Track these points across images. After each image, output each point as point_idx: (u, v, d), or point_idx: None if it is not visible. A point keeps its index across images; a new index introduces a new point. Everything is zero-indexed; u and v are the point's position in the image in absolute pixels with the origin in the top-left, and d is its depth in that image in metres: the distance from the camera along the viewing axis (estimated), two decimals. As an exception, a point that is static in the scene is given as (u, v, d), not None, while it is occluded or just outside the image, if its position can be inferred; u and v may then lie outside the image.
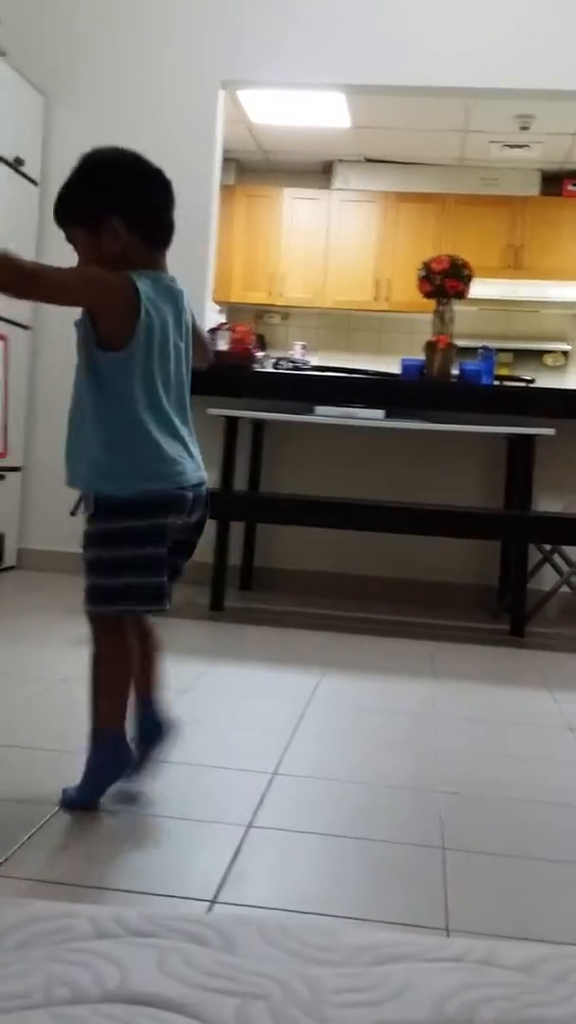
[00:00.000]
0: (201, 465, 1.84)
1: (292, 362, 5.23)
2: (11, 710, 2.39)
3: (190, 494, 1.79)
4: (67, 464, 1.82)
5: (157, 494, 1.74)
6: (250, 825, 1.76)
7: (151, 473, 1.74)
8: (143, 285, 1.73)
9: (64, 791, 1.78)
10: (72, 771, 1.96)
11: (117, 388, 1.73)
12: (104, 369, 1.74)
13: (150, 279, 1.76)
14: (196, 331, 1.90)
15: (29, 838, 1.63)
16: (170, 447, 1.76)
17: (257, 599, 4.29)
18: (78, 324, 1.78)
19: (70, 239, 1.79)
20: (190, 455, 1.81)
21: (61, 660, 2.92)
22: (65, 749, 2.10)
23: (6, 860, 1.54)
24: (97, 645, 1.79)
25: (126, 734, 1.81)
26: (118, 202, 1.77)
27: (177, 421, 1.79)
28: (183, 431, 1.81)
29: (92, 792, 1.78)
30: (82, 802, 1.76)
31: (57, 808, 1.77)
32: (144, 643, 1.89)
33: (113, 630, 1.79)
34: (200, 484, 1.82)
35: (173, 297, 1.81)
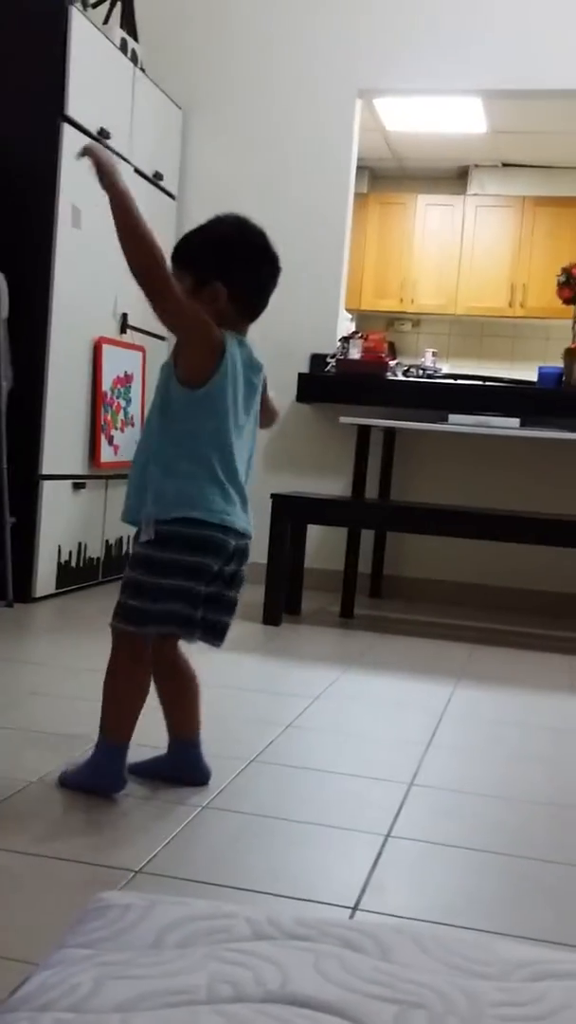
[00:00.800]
0: (250, 522, 1.88)
1: (423, 369, 5.21)
2: (149, 713, 2.44)
3: (232, 541, 1.82)
4: (127, 501, 1.88)
5: (199, 528, 1.78)
6: (388, 835, 1.76)
7: (198, 502, 1.79)
8: (228, 341, 1.82)
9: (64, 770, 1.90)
10: (214, 771, 1.99)
11: (188, 425, 1.80)
12: (178, 405, 1.81)
13: (235, 340, 1.84)
14: (265, 396, 1.96)
15: (173, 837, 1.67)
16: (223, 490, 1.81)
17: (386, 607, 4.27)
18: (164, 366, 1.87)
19: (176, 275, 1.83)
20: (243, 508, 1.86)
21: (197, 665, 2.97)
22: (205, 752, 2.14)
23: (153, 858, 1.58)
24: (113, 657, 1.86)
25: (123, 751, 1.87)
26: (229, 273, 1.84)
27: (240, 471, 1.85)
28: (242, 485, 1.86)
29: (75, 781, 1.86)
30: (65, 781, 1.87)
31: (199, 809, 1.81)
32: (178, 680, 1.95)
33: (131, 646, 1.84)
34: (244, 535, 1.85)
35: (251, 363, 1.88)
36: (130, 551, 1.89)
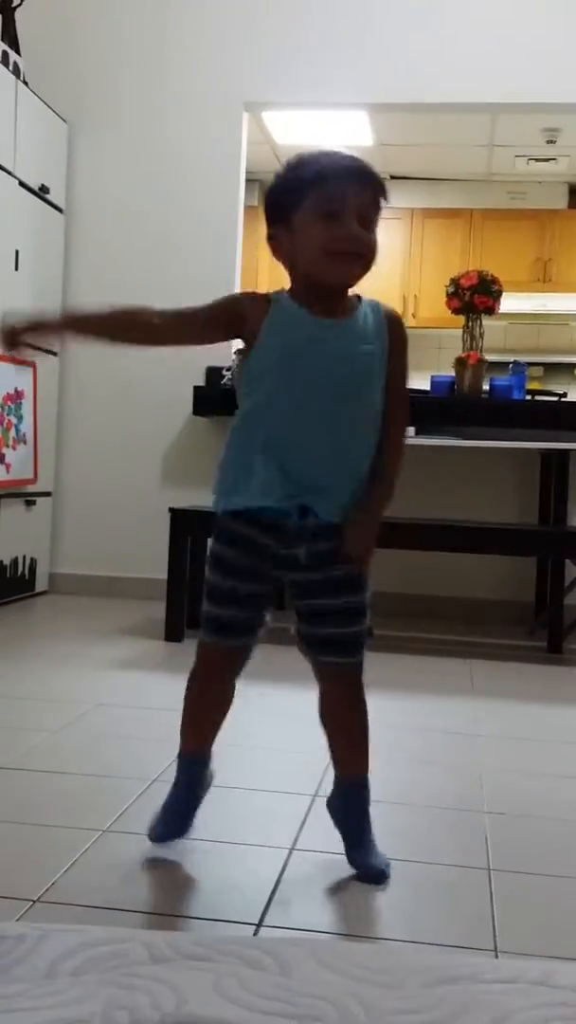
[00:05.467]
0: (334, 503, 1.61)
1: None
2: (50, 736, 2.39)
3: (287, 520, 1.60)
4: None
5: (239, 514, 1.62)
6: (293, 848, 1.76)
7: (237, 486, 1.62)
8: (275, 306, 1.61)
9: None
10: (111, 796, 1.97)
11: (241, 402, 1.64)
12: (239, 381, 1.67)
13: (293, 305, 1.61)
14: (393, 377, 1.66)
15: (72, 864, 1.63)
16: (268, 467, 1.59)
17: (289, 618, 4.27)
18: None
19: (366, 210, 1.54)
20: (314, 488, 1.60)
21: (96, 685, 2.93)
22: (104, 774, 2.10)
23: (52, 886, 1.54)
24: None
25: (192, 760, 1.75)
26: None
27: (301, 451, 1.59)
28: (310, 464, 1.60)
29: (160, 816, 1.73)
30: (153, 831, 1.71)
31: (100, 833, 1.78)
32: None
33: (200, 650, 1.75)
34: (311, 514, 1.60)
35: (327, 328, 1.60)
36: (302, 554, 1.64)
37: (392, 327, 1.64)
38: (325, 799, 1.78)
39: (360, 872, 1.64)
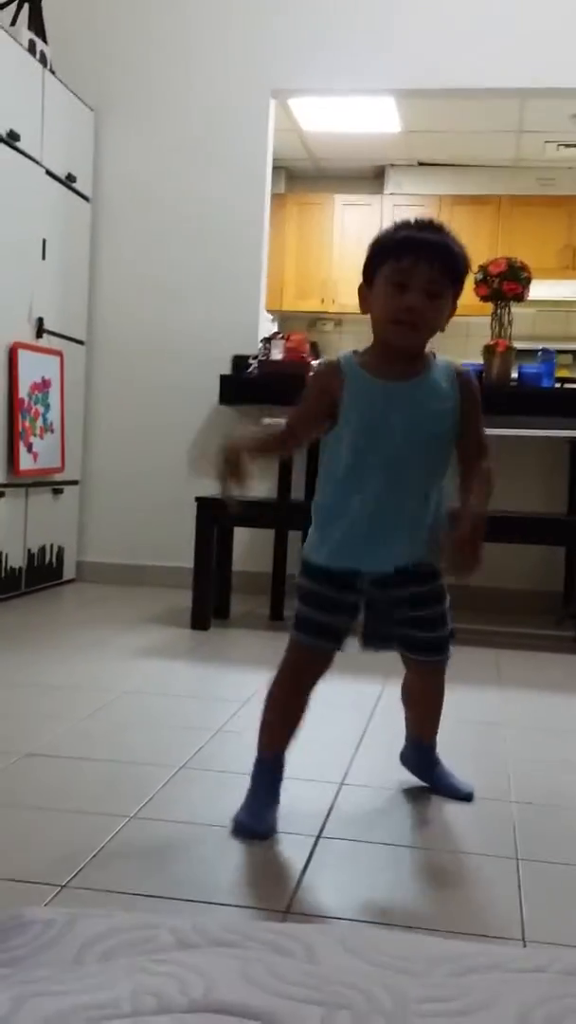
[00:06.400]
0: (404, 552, 1.81)
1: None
2: (78, 723, 2.41)
3: (361, 578, 1.81)
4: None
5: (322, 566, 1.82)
6: (320, 836, 1.76)
7: (314, 545, 1.83)
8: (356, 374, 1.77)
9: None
10: (139, 783, 1.98)
11: (324, 462, 1.82)
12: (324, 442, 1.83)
13: (364, 373, 1.77)
14: (468, 430, 1.81)
15: (100, 850, 1.64)
16: (338, 527, 1.79)
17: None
18: None
19: (432, 284, 1.68)
20: (378, 541, 1.79)
21: (124, 672, 2.94)
22: (132, 761, 2.11)
23: (80, 872, 1.55)
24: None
25: (268, 764, 1.84)
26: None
27: (371, 506, 1.76)
28: (375, 516, 1.77)
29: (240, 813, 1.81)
30: (237, 824, 1.78)
31: (128, 819, 1.78)
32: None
33: (287, 653, 1.86)
34: (386, 573, 1.81)
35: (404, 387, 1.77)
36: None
37: (463, 384, 1.79)
38: (399, 754, 2.09)
39: (446, 792, 1.99)
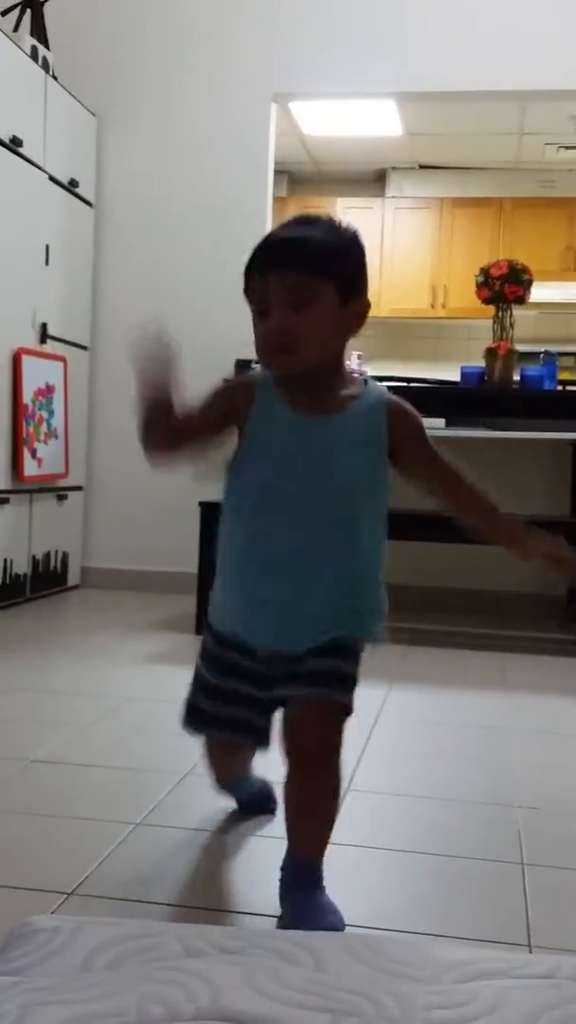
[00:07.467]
0: (315, 625, 1.47)
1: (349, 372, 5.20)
2: (84, 730, 2.41)
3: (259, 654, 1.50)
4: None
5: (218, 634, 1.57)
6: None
7: (216, 603, 1.59)
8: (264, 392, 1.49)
9: None
10: (144, 789, 1.98)
11: (223, 496, 1.55)
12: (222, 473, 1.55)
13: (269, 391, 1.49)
14: (421, 464, 1.55)
15: (106, 857, 1.65)
16: (241, 585, 1.51)
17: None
18: None
19: (292, 293, 1.39)
20: (275, 616, 1.47)
21: (128, 678, 2.95)
22: (137, 767, 2.12)
23: (86, 879, 1.55)
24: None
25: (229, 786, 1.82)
26: (367, 285, 1.49)
27: (269, 566, 1.47)
28: (285, 579, 1.46)
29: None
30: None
31: (133, 826, 1.78)
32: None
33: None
34: (284, 654, 1.48)
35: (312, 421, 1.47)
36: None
37: (395, 421, 1.49)
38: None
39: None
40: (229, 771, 1.78)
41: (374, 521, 1.52)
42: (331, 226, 1.45)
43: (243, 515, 1.50)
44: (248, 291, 1.45)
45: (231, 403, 1.49)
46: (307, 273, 1.39)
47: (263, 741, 1.58)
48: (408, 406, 1.53)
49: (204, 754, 1.73)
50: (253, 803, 1.84)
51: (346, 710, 1.49)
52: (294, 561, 1.45)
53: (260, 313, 1.42)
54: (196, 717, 1.61)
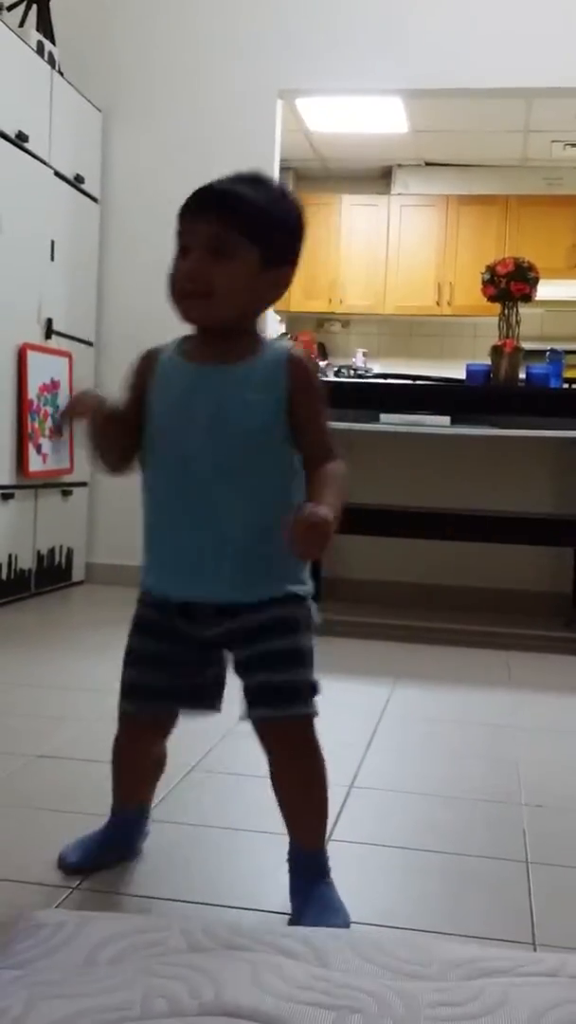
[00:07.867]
0: (222, 581, 1.45)
1: (354, 370, 5.21)
2: (89, 725, 2.41)
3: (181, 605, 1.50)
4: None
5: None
6: (329, 839, 1.75)
7: (144, 568, 1.59)
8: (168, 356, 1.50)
9: None
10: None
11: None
12: None
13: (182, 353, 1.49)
14: (304, 425, 1.46)
15: (112, 850, 1.64)
16: (157, 544, 1.54)
17: (327, 610, 4.27)
18: None
19: (215, 240, 1.38)
20: (188, 566, 1.48)
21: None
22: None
23: (90, 874, 1.55)
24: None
25: (123, 818, 1.65)
26: (296, 260, 1.46)
27: (177, 520, 1.48)
28: (193, 538, 1.46)
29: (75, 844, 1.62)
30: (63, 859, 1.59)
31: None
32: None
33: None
34: (199, 602, 1.48)
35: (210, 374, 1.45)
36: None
37: (293, 370, 1.42)
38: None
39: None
40: (137, 785, 1.65)
41: (281, 478, 1.46)
42: (275, 194, 1.44)
43: (149, 467, 1.52)
44: (179, 234, 1.44)
45: (142, 377, 1.51)
46: (235, 230, 1.37)
47: (208, 702, 1.56)
48: (308, 361, 1.48)
49: (113, 760, 1.63)
50: (112, 845, 1.62)
51: (309, 718, 1.47)
52: (198, 508, 1.44)
53: (182, 250, 1.41)
54: (133, 692, 1.58)
